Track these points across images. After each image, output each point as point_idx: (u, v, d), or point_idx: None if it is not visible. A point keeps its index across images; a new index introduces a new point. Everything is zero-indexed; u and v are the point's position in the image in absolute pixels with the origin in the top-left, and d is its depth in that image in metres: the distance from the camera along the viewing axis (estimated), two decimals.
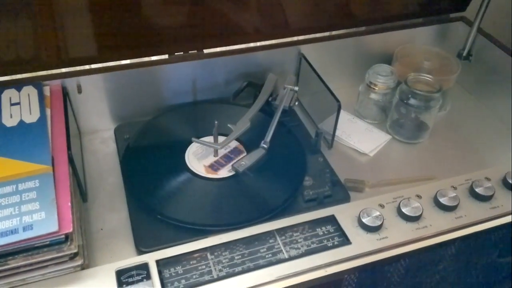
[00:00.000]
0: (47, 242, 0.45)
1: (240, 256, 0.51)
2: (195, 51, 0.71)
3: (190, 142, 0.64)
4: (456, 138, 0.75)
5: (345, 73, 0.81)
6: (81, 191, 0.58)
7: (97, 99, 0.68)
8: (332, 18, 0.77)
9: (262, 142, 0.63)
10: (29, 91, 0.61)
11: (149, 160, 0.63)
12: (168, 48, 0.69)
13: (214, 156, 0.63)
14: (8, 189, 0.48)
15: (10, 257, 0.44)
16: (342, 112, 0.73)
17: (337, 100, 0.65)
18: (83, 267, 0.48)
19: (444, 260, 0.59)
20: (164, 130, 0.68)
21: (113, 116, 0.71)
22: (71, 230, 0.45)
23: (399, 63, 0.78)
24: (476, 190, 0.58)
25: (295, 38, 0.77)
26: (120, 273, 0.47)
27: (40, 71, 0.64)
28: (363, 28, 0.81)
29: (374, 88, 0.74)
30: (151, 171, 0.61)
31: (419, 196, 0.58)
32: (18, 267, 0.45)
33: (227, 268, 0.50)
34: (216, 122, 0.61)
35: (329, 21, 0.78)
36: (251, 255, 0.51)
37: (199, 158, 0.63)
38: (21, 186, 0.48)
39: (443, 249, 0.57)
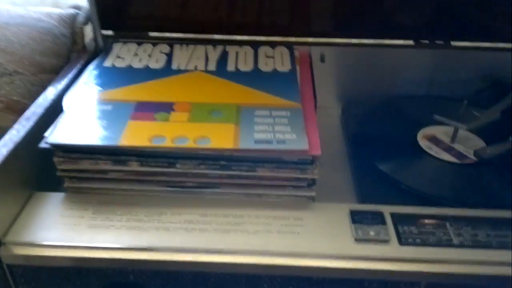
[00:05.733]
0: (295, 159, 0.46)
1: (484, 235, 0.45)
2: (442, 41, 0.68)
3: (421, 126, 0.61)
4: None
5: None
6: None
7: (335, 72, 0.70)
8: None
9: (511, 137, 0.57)
10: (282, 50, 0.65)
11: (380, 133, 0.62)
12: (415, 34, 0.69)
13: (450, 142, 0.59)
14: (264, 112, 0.51)
15: (260, 164, 0.46)
16: None
17: None
18: (313, 199, 0.48)
19: None
20: (394, 113, 0.66)
21: (342, 92, 0.72)
22: (319, 153, 0.45)
23: None
24: None
25: None
26: (354, 213, 0.46)
27: (291, 37, 0.70)
28: None
29: None
30: (381, 143, 0.60)
31: None
32: (262, 178, 0.47)
33: (469, 242, 0.44)
34: (465, 101, 0.56)
35: None
36: (498, 237, 0.44)
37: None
38: (274, 113, 0.51)
39: None
